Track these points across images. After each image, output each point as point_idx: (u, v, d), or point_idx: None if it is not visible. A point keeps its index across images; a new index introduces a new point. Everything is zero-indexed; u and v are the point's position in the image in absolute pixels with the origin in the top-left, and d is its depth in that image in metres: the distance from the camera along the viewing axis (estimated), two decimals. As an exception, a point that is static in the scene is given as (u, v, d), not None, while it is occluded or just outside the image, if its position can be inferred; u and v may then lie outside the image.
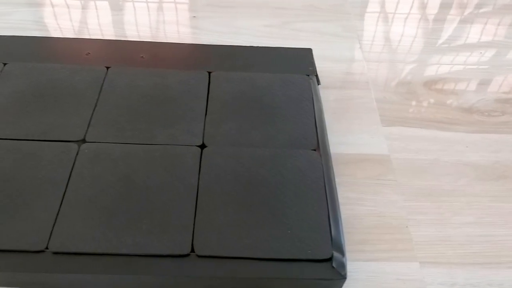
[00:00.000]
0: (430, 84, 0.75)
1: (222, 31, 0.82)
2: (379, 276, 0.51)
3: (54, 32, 0.78)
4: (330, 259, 0.47)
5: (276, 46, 0.73)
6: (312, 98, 0.63)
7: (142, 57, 0.69)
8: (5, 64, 0.65)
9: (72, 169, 0.53)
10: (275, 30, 0.84)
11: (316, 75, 0.67)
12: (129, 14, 0.84)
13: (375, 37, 0.85)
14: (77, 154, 0.55)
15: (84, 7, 0.85)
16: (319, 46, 0.79)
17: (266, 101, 0.63)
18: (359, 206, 0.57)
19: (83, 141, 0.56)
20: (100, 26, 0.81)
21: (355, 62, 0.78)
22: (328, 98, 0.70)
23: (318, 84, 0.67)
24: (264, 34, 0.82)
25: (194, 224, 0.49)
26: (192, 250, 0.47)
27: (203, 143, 0.57)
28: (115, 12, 0.84)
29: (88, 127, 0.58)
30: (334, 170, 0.56)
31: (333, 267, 0.46)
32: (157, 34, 0.80)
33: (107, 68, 0.66)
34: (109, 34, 0.79)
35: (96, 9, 0.84)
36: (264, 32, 0.83)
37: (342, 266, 0.46)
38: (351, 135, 0.65)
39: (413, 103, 0.72)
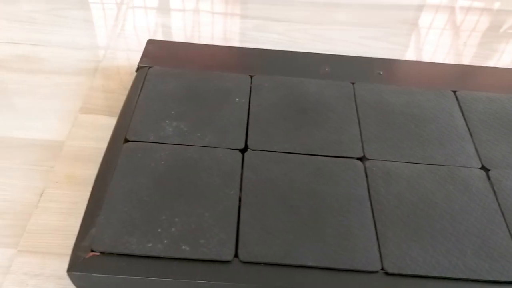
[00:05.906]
0: None
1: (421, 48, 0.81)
2: None
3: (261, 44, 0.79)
4: None
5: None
6: None
7: (380, 73, 0.68)
8: (251, 76, 0.65)
9: (368, 187, 0.52)
10: (472, 48, 0.83)
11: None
12: (324, 30, 0.84)
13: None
14: (365, 171, 0.54)
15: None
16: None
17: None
18: None
19: (364, 158, 0.55)
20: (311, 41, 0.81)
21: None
22: None
23: None
24: (461, 52, 0.81)
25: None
26: None
27: (482, 165, 0.56)
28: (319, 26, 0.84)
29: (362, 144, 0.57)
30: None
31: None
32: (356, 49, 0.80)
33: (352, 83, 0.65)
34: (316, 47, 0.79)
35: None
36: (460, 50, 0.82)
37: None
38: None
39: None
